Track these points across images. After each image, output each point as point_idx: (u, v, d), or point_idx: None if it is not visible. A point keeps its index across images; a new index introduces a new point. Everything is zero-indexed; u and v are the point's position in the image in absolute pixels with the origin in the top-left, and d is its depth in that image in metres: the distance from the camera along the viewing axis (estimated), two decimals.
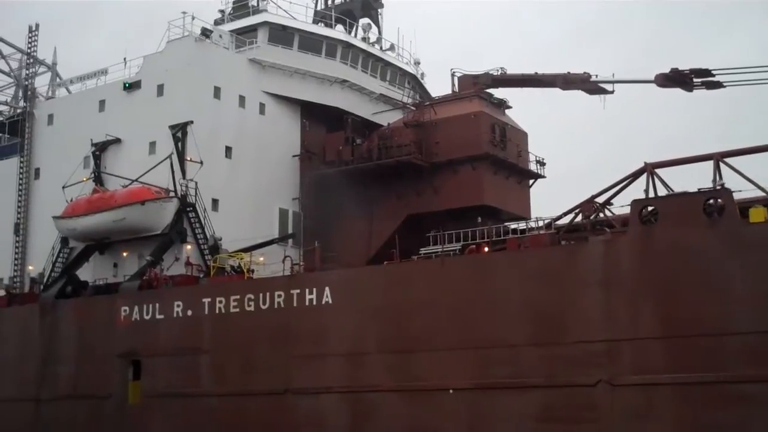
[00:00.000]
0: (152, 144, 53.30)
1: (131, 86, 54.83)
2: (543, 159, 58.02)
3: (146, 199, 48.68)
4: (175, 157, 50.85)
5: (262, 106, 56.33)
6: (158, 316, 46.23)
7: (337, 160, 56.84)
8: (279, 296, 42.51)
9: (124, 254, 51.99)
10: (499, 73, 57.42)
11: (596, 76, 54.54)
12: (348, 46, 59.49)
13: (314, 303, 41.54)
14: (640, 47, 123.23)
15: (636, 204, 35.17)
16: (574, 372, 34.94)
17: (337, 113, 59.06)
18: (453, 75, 58.77)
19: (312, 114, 59.26)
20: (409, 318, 38.85)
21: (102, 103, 56.47)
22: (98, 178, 54.82)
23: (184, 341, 45.00)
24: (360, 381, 39.68)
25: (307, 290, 41.84)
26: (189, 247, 50.21)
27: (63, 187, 54.55)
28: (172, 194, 49.62)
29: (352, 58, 59.63)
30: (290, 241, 55.41)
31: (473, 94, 56.00)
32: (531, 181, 58.12)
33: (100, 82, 57.44)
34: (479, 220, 41.13)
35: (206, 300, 44.66)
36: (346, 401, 40.04)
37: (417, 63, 67.29)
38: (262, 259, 48.86)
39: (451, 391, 37.38)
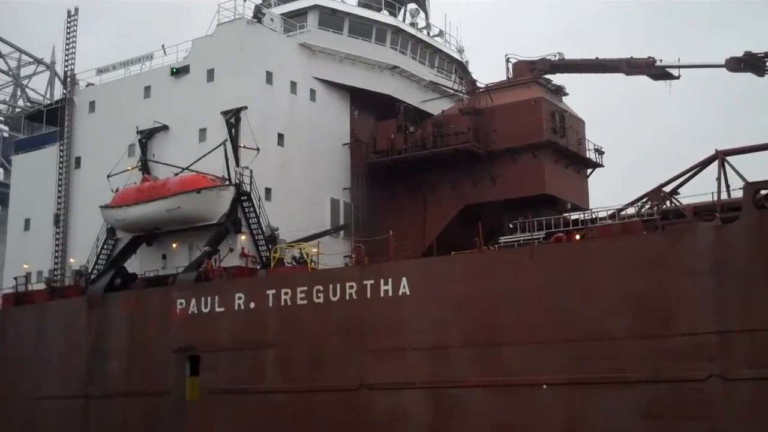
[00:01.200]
0: (202, 131, 50.80)
1: (179, 71, 52.29)
2: (601, 148, 55.44)
3: (202, 187, 46.05)
4: (228, 144, 48.02)
5: (312, 92, 53.87)
6: (218, 309, 43.72)
7: (389, 149, 54.13)
8: (351, 287, 40.06)
9: (174, 246, 49.44)
10: (557, 58, 55.00)
11: (660, 61, 52.32)
12: (398, 31, 57.05)
13: (390, 294, 39.10)
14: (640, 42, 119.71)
15: (749, 187, 32.77)
16: (682, 366, 32.58)
17: (387, 101, 56.57)
18: (508, 60, 56.45)
19: (361, 101, 56.76)
20: (496, 309, 36.48)
21: (147, 89, 53.89)
22: (145, 167, 52.21)
23: (247, 335, 42.51)
24: (443, 376, 37.32)
25: (381, 281, 39.39)
26: (243, 237, 47.71)
27: (108, 176, 52.03)
28: (227, 182, 46.85)
29: (401, 43, 57.19)
30: (342, 232, 52.84)
31: (531, 80, 53.59)
32: (589, 171, 55.45)
33: (144, 67, 54.43)
34: (569, 206, 38.53)
35: (270, 292, 42.16)
36: (428, 397, 37.70)
37: (461, 50, 64.72)
38: (315, 250, 46.30)
39: (544, 386, 34.96)
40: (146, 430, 45.33)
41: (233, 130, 48.74)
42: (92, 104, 56.59)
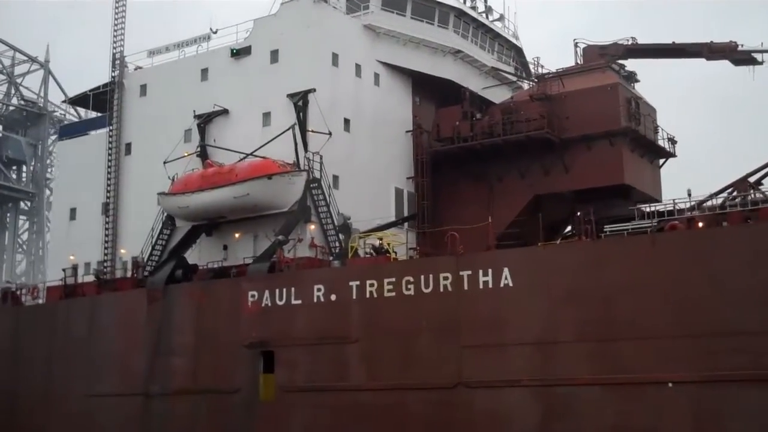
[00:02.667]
0: (266, 115, 47.79)
1: (239, 52, 49.22)
2: (674, 137, 52.52)
3: (274, 173, 42.86)
4: (296, 129, 44.92)
5: (376, 76, 50.89)
6: (294, 302, 40.62)
7: (454, 137, 51.04)
8: (445, 279, 37.05)
9: (237, 235, 46.26)
10: (629, 43, 52.10)
11: (742, 45, 49.51)
12: (461, 14, 54.21)
13: (490, 286, 36.10)
14: None
15: None
16: None
17: (448, 87, 53.61)
18: (576, 45, 53.52)
19: (421, 87, 53.67)
20: (612, 301, 33.58)
21: (205, 71, 50.77)
22: (203, 152, 48.99)
23: (328, 329, 39.47)
24: (553, 373, 34.25)
25: (480, 272, 36.41)
26: (312, 226, 44.57)
27: (164, 163, 48.75)
28: (297, 168, 43.81)
29: (464, 27, 54.15)
30: (406, 223, 49.87)
31: (604, 65, 50.65)
32: (662, 161, 52.53)
33: (201, 49, 51.24)
34: (690, 191, 35.60)
35: (354, 283, 39.07)
36: (535, 396, 34.69)
37: (516, 36, 61.81)
38: (395, 240, 43.33)
39: (670, 384, 31.89)
40: (214, 430, 41.97)
41: (301, 114, 45.48)
42: (143, 87, 53.46)
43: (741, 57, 48.92)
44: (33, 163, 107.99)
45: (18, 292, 53.77)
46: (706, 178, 58.97)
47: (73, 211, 55.15)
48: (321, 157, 45.21)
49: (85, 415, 47.17)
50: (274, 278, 41.75)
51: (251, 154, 46.25)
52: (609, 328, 33.60)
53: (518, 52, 59.55)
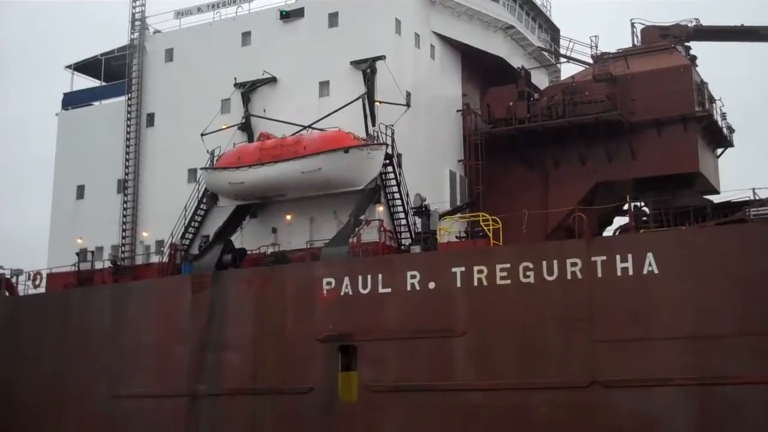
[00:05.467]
0: (323, 84, 42.20)
1: (290, 15, 43.49)
2: (732, 126, 49.19)
3: (351, 146, 37.42)
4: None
5: (432, 48, 45.85)
6: (382, 290, 35.29)
7: (508, 118, 46.46)
8: (574, 265, 32.46)
9: (288, 217, 40.57)
10: (693, 25, 48.55)
11: None
12: None
13: (630, 273, 31.66)
14: None
15: None
16: None
17: (495, 65, 49.04)
18: (633, 25, 49.69)
19: (469, 63, 48.98)
20: None
21: (246, 35, 44.92)
22: (247, 124, 43.02)
23: (426, 321, 34.42)
24: (712, 371, 29.81)
25: (618, 257, 31.96)
26: (381, 208, 39.34)
27: (202, 135, 42.70)
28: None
29: (512, 1, 49.55)
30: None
31: (669, 46, 46.97)
32: (719, 150, 49.10)
33: (240, 11, 45.26)
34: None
35: (458, 270, 34.11)
36: (690, 396, 30.15)
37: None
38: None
39: None
40: None
41: (370, 83, 40.13)
42: (170, 52, 47.11)
43: None
44: None
45: (13, 279, 46.40)
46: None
47: (80, 189, 48.32)
48: (393, 132, 39.92)
49: (111, 417, 40.77)
50: (356, 263, 36.39)
51: (310, 126, 40.71)
52: None
53: (555, 32, 55.29)
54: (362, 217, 37.68)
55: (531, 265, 33.21)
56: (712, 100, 44.93)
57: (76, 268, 44.32)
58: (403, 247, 40.00)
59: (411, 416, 34.37)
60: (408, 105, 40.16)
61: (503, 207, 39.72)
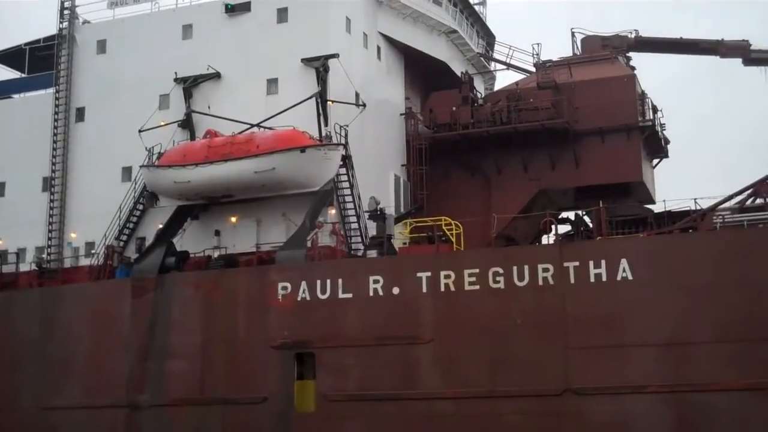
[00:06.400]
0: (272, 81, 40.47)
1: (235, 8, 41.52)
2: (667, 137, 49.79)
3: (307, 146, 35.89)
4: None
5: (378, 50, 44.67)
6: (342, 296, 33.79)
7: (451, 123, 45.81)
8: (545, 270, 31.78)
9: (233, 219, 38.70)
10: (633, 36, 48.98)
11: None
12: None
13: (604, 279, 31.15)
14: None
15: None
16: None
17: (436, 69, 48.34)
18: (573, 35, 49.84)
19: (411, 67, 48.09)
20: (761, 297, 29.24)
21: (187, 28, 42.75)
22: (189, 121, 40.92)
23: (389, 328, 33.20)
24: (687, 378, 29.59)
25: (591, 263, 31.35)
26: (333, 211, 37.94)
27: (140, 131, 40.40)
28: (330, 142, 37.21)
29: (453, 6, 48.97)
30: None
31: (611, 56, 47.28)
32: (656, 161, 49.62)
33: (181, 2, 43.22)
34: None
35: (424, 275, 32.92)
36: (666, 404, 29.85)
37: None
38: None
39: None
40: None
41: (323, 82, 38.70)
42: (102, 44, 44.43)
43: (756, 57, 46.65)
44: None
45: None
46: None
47: (0, 186, 44.88)
48: (346, 132, 38.56)
49: (39, 430, 37.75)
50: (314, 268, 34.76)
51: (259, 125, 38.91)
52: (759, 327, 29.27)
53: (491, 40, 54.96)
54: (321, 219, 36.01)
55: (501, 270, 32.36)
56: (655, 110, 45.15)
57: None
58: (353, 252, 38.61)
59: (373, 426, 33.00)
60: (363, 105, 38.89)
61: (446, 213, 38.71)
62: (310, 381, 34.14)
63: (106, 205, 41.30)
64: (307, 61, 39.32)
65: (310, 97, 38.20)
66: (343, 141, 38.08)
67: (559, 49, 52.22)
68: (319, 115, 38.18)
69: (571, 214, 45.68)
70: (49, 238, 42.41)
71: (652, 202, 47.10)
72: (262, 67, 40.46)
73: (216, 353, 35.42)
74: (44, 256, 42.03)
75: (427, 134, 46.06)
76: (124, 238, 40.48)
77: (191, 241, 39.77)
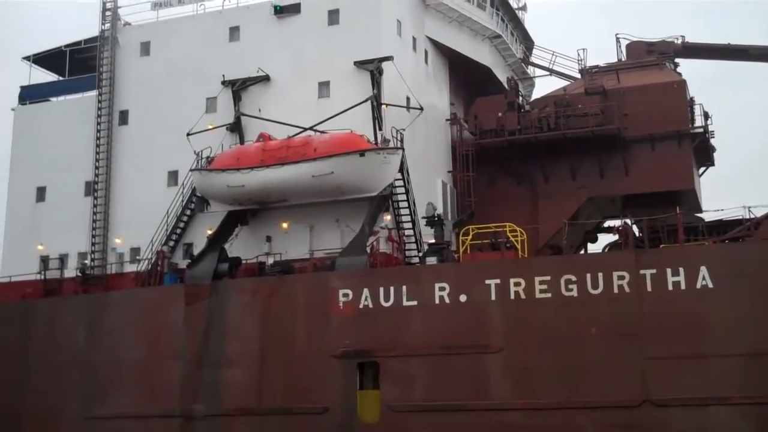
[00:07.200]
0: (323, 84, 39.39)
1: (284, 10, 40.49)
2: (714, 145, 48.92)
3: (367, 150, 34.89)
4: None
5: (426, 53, 43.71)
6: (407, 303, 32.70)
7: (498, 129, 44.83)
8: (621, 278, 30.74)
9: (285, 225, 37.63)
10: (680, 42, 48.19)
11: None
12: None
13: (682, 287, 30.12)
14: None
15: None
16: None
17: (480, 74, 47.47)
18: (618, 40, 49.05)
19: (455, 72, 47.21)
20: None
21: (234, 30, 41.68)
22: (237, 125, 39.88)
23: (458, 336, 32.15)
24: None
25: (669, 270, 30.34)
26: (388, 217, 36.94)
27: (188, 135, 39.30)
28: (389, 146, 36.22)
29: (497, 11, 48.12)
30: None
31: (658, 62, 46.47)
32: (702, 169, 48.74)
33: (228, 4, 42.19)
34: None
35: (492, 282, 31.89)
36: (748, 416, 28.78)
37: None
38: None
39: None
40: None
41: (377, 85, 37.75)
42: (146, 46, 43.33)
43: None
44: None
45: None
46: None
47: (40, 191, 43.82)
48: (401, 136, 37.58)
49: None
50: (376, 274, 33.73)
51: (313, 128, 37.88)
52: None
53: (529, 44, 54.12)
54: (382, 226, 35.01)
55: (574, 278, 31.35)
56: (707, 116, 44.30)
57: (42, 277, 39.78)
58: (407, 259, 37.64)
59: None
60: (421, 109, 37.89)
61: (491, 220, 37.82)
62: (373, 391, 32.98)
63: (152, 209, 40.28)
64: (361, 64, 38.29)
65: (366, 101, 37.23)
66: (399, 145, 36.93)
67: (596, 54, 51.13)
68: (374, 118, 37.10)
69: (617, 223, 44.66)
70: (93, 244, 41.26)
71: (700, 210, 46.19)
72: (314, 69, 39.49)
73: (274, 362, 34.34)
74: (87, 261, 40.65)
75: (472, 140, 45.01)
76: (172, 243, 39.17)
77: (241, 247, 38.62)
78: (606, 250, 39.17)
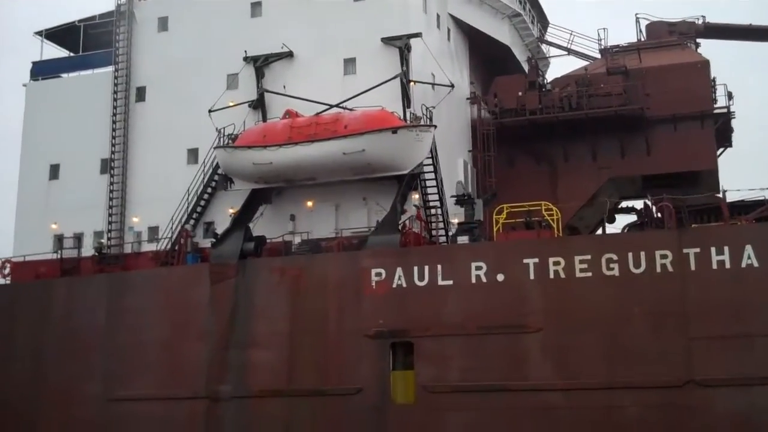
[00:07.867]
0: (349, 61, 38.52)
1: None
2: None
3: (399, 127, 34.13)
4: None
5: (448, 31, 42.94)
6: (442, 282, 32.06)
7: (518, 108, 44.18)
8: (663, 257, 30.23)
9: (309, 204, 36.85)
10: (702, 22, 47.66)
11: None
12: None
13: (727, 266, 29.63)
14: None
15: None
16: None
17: (499, 53, 46.77)
18: (638, 20, 48.48)
19: (474, 51, 46.48)
20: None
21: (256, 5, 40.73)
22: (260, 102, 38.98)
23: (495, 316, 31.53)
24: None
25: (713, 249, 29.78)
26: (417, 195, 36.24)
27: (210, 112, 38.44)
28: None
29: None
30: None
31: (680, 41, 45.93)
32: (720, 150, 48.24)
33: None
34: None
35: (531, 261, 31.29)
36: None
37: None
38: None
39: None
40: None
41: (405, 62, 36.97)
42: (164, 21, 42.26)
43: None
44: None
45: None
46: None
47: (54, 168, 42.68)
48: (430, 113, 36.86)
49: (106, 421, 35.78)
50: (410, 253, 33.02)
51: (339, 105, 37.06)
52: None
53: (545, 24, 53.49)
54: (415, 204, 34.28)
55: (615, 257, 30.76)
56: (730, 96, 43.81)
57: (58, 256, 38.79)
58: (433, 238, 36.96)
59: (477, 418, 31.30)
60: (452, 86, 37.13)
61: (512, 200, 37.24)
62: (408, 371, 32.31)
63: (171, 187, 39.36)
64: (389, 40, 37.46)
65: (395, 77, 36.40)
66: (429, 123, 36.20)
67: (614, 34, 50.49)
68: (403, 96, 36.32)
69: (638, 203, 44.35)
70: (110, 222, 40.22)
71: (718, 191, 45.70)
72: (339, 46, 38.61)
73: (304, 342, 33.59)
74: (104, 240, 39.68)
75: (492, 120, 44.34)
76: (192, 222, 38.27)
77: (265, 225, 37.80)
78: (625, 231, 38.62)
